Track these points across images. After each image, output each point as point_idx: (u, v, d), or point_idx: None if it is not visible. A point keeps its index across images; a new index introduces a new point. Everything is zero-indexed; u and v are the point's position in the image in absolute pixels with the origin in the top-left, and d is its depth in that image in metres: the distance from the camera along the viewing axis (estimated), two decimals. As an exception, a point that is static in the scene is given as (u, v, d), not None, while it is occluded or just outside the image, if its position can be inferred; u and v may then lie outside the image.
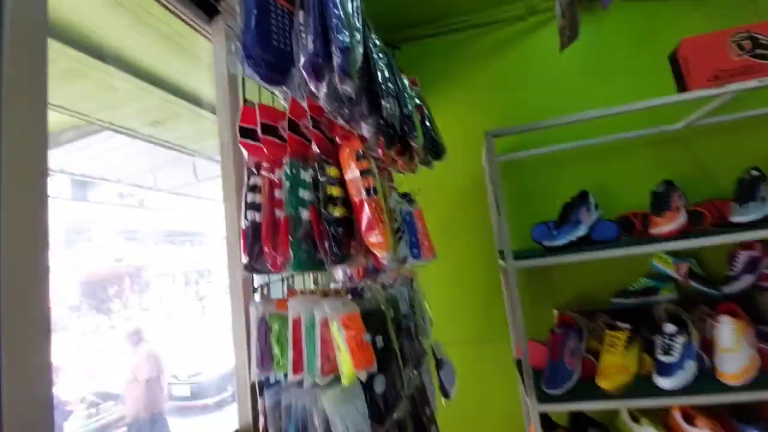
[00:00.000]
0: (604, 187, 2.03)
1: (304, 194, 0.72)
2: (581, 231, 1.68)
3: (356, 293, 0.91)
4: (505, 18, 2.30)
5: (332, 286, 1.04)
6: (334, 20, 0.74)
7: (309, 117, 0.73)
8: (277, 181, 0.74)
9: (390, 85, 1.05)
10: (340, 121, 1.07)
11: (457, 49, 2.39)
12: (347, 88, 0.84)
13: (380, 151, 1.29)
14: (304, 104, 0.90)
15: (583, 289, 2.08)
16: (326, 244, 0.69)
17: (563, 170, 2.18)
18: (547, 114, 1.96)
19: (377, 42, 1.04)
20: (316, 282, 1.21)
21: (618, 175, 2.09)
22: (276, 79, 0.81)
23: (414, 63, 2.45)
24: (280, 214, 0.72)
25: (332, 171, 0.72)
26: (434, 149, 1.53)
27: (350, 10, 0.91)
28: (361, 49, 0.90)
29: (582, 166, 2.15)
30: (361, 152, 0.74)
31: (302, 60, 0.75)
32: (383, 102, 1.01)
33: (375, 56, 1.03)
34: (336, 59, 0.74)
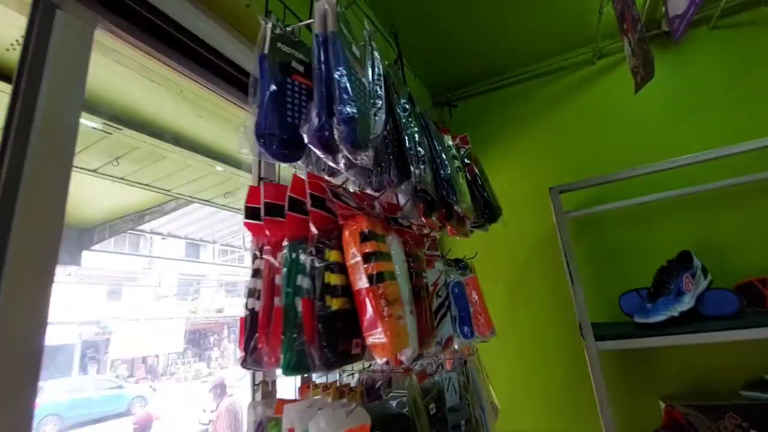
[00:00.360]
0: (711, 246, 1.64)
1: (303, 281, 0.64)
2: (685, 304, 1.34)
3: (376, 392, 0.77)
4: (570, 65, 2.14)
5: (352, 379, 0.90)
6: (338, 92, 0.69)
7: (308, 194, 0.66)
8: (277, 266, 0.67)
9: (421, 149, 0.96)
10: (369, 191, 1.02)
11: (519, 101, 2.26)
12: (364, 158, 0.78)
13: (422, 218, 1.20)
14: (325, 178, 0.86)
15: (698, 376, 1.64)
16: (317, 343, 0.58)
17: (655, 226, 1.84)
18: (626, 163, 1.71)
19: (407, 106, 0.98)
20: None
21: (729, 230, 1.68)
22: (289, 156, 0.77)
23: (472, 119, 2.37)
24: (278, 303, 0.64)
25: (332, 255, 0.63)
26: (488, 211, 1.38)
27: (367, 78, 0.86)
28: (381, 116, 0.84)
29: (679, 221, 1.79)
30: (366, 233, 0.64)
31: (307, 136, 0.70)
32: (412, 168, 0.92)
33: (404, 121, 0.96)
34: (338, 131, 0.67)
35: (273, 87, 0.75)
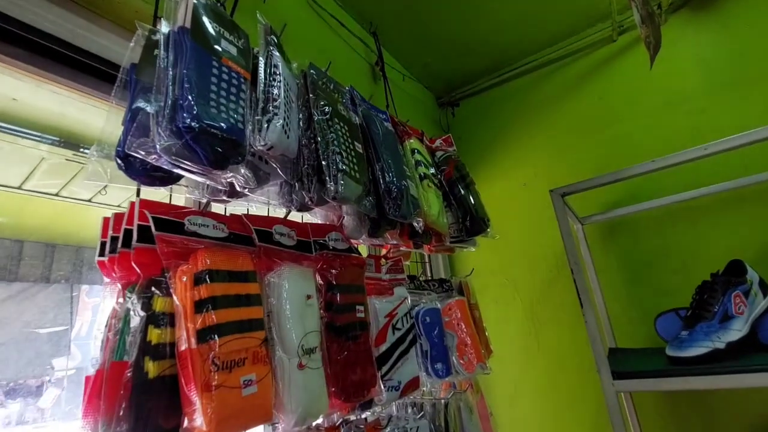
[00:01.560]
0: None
1: (130, 338, 0.50)
2: (735, 331, 1.03)
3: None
4: (586, 45, 1.85)
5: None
6: (180, 92, 0.55)
7: (135, 225, 0.53)
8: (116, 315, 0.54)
9: (342, 157, 0.80)
10: (293, 211, 0.87)
11: (529, 93, 2.00)
12: (237, 177, 0.64)
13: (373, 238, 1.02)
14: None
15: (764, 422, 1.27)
16: (125, 420, 0.44)
17: (701, 229, 1.49)
18: (655, 154, 1.41)
19: (326, 109, 0.82)
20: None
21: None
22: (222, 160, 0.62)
23: (476, 118, 2.14)
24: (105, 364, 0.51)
25: (160, 303, 0.49)
26: (468, 223, 1.17)
27: (260, 80, 0.73)
28: (277, 123, 0.70)
29: (731, 221, 1.44)
30: (203, 274, 0.49)
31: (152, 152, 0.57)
32: (327, 180, 0.77)
33: (322, 126, 0.81)
34: (175, 145, 0.54)
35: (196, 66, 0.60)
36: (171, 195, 0.75)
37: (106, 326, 0.57)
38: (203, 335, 0.47)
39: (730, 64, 1.55)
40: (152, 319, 0.49)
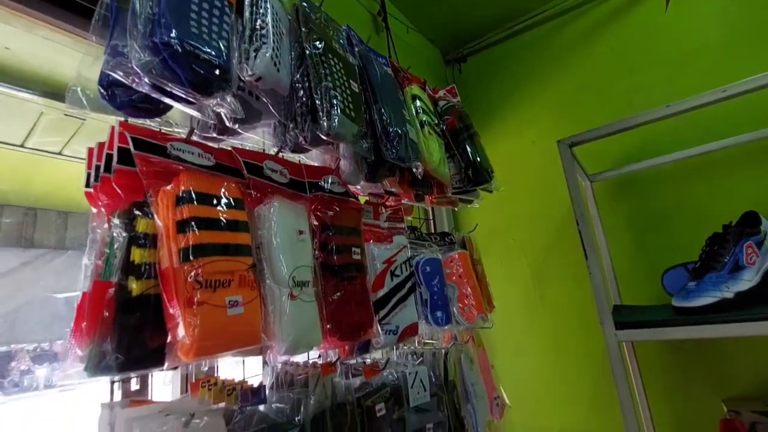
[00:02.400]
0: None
1: (116, 260, 0.50)
2: (745, 281, 1.00)
3: (259, 395, 0.61)
4: (602, -7, 1.74)
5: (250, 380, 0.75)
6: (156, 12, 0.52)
7: (115, 147, 0.51)
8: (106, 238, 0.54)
9: (337, 94, 0.76)
10: (287, 153, 0.85)
11: (538, 47, 1.91)
12: (222, 105, 0.61)
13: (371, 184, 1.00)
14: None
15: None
16: (111, 338, 0.44)
17: (715, 183, 1.44)
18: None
19: (319, 45, 0.78)
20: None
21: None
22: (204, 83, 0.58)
23: (484, 74, 2.06)
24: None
25: (142, 224, 0.48)
26: (470, 172, 1.13)
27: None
28: (266, 53, 0.67)
29: (747, 175, 1.38)
30: (184, 194, 0.47)
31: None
32: (321, 116, 0.74)
33: (314, 61, 0.77)
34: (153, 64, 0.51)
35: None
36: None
37: (94, 254, 0.56)
38: (185, 254, 0.46)
39: (750, 12, 1.44)
40: (135, 239, 0.48)
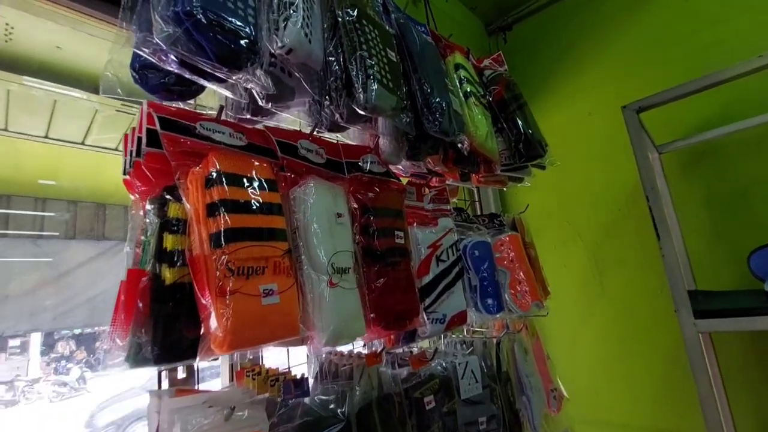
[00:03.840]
0: None
1: (150, 247, 0.47)
2: None
3: (302, 387, 0.58)
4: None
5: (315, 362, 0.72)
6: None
7: (144, 130, 0.48)
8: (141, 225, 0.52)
9: (376, 65, 0.70)
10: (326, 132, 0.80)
11: (590, 7, 1.71)
12: (251, 79, 0.57)
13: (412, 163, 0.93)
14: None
15: None
16: (146, 329, 0.42)
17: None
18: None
19: (352, 12, 0.72)
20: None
21: None
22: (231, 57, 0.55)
23: (531, 42, 1.90)
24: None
25: (173, 209, 0.45)
26: (522, 146, 1.03)
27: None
28: (296, 22, 0.62)
29: None
30: (213, 175, 0.44)
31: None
32: (356, 87, 0.68)
33: (348, 29, 0.71)
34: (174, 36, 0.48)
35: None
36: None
37: (134, 242, 0.55)
38: (216, 239, 0.43)
39: None
40: (167, 225, 0.45)
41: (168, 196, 0.47)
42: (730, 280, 1.33)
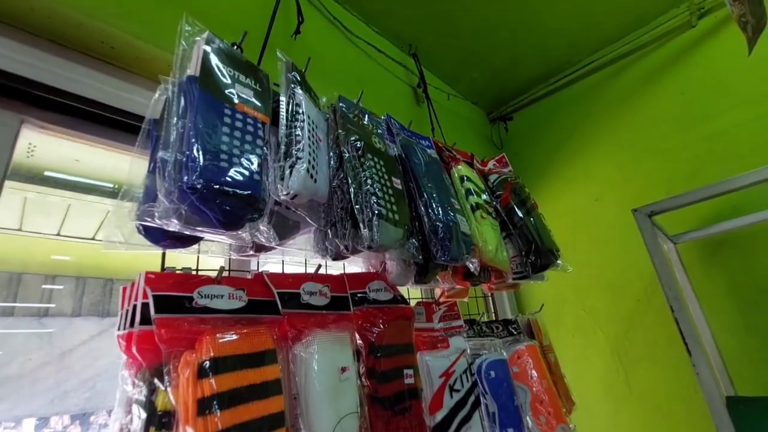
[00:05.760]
0: None
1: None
2: None
3: None
4: (659, 36, 1.61)
5: None
6: (186, 142, 0.50)
7: (139, 302, 0.46)
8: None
9: (381, 197, 0.70)
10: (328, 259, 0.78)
11: (590, 98, 1.78)
12: (256, 235, 0.56)
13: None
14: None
15: None
16: None
17: None
18: (761, 152, 1.17)
19: (358, 144, 0.74)
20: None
21: None
22: (235, 218, 0.55)
23: (533, 130, 1.96)
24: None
25: (163, 401, 0.41)
26: (534, 256, 1.00)
27: (284, 123, 0.66)
28: (302, 167, 0.63)
29: None
30: (207, 363, 0.40)
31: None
32: (361, 226, 0.67)
33: (352, 164, 0.72)
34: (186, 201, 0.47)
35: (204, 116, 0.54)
36: (198, 257, 0.70)
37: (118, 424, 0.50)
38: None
39: None
40: (154, 420, 0.41)
41: (157, 382, 0.43)
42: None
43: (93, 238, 1.78)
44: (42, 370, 4.05)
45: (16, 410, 4.13)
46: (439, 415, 0.75)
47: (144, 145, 0.66)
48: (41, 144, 1.16)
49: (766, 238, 1.30)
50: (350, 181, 0.70)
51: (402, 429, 0.63)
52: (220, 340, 0.44)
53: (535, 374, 1.00)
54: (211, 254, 0.68)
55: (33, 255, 3.35)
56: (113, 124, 0.91)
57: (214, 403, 0.40)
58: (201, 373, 0.42)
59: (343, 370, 0.57)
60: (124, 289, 0.58)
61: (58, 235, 1.64)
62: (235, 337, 0.45)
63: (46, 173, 1.22)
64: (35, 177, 1.24)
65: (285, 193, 0.61)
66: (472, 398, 0.82)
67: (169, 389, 0.41)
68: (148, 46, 0.84)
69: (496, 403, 0.88)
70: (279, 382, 0.47)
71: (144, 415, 0.42)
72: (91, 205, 1.49)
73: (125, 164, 1.30)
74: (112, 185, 1.39)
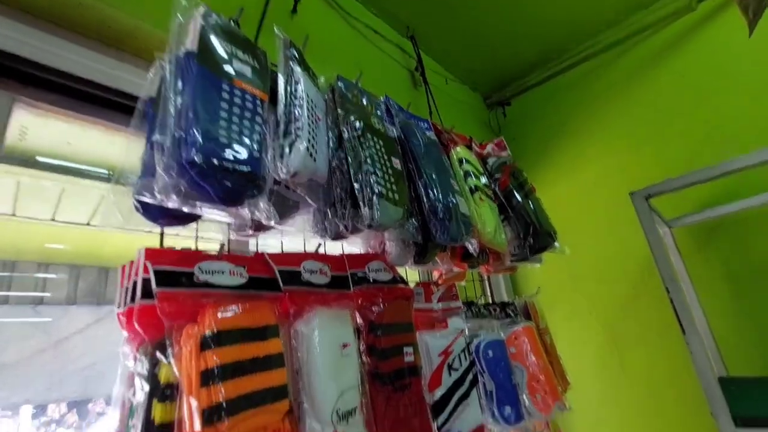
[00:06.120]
0: None
1: (136, 419, 0.43)
2: None
3: None
4: (658, 19, 1.60)
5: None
6: (182, 119, 0.49)
7: (140, 278, 0.46)
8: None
9: (381, 177, 0.70)
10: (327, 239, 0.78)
11: (588, 83, 1.78)
12: (255, 211, 0.56)
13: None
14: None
15: None
16: None
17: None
18: (760, 135, 1.17)
19: (357, 124, 0.73)
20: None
21: None
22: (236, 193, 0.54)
23: (531, 116, 1.95)
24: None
25: (166, 374, 0.42)
26: (532, 239, 1.01)
27: (281, 100, 0.65)
28: (301, 145, 0.62)
29: None
30: (209, 336, 0.41)
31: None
32: (361, 205, 0.67)
33: (351, 144, 0.72)
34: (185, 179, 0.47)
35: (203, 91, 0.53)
36: (197, 237, 0.70)
37: (120, 401, 0.50)
38: (209, 416, 0.39)
39: None
40: (156, 392, 0.42)
41: (160, 355, 0.43)
42: (761, 363, 1.25)
43: (88, 224, 1.77)
44: (39, 357, 4.06)
45: (13, 398, 4.15)
46: (438, 392, 0.77)
47: (139, 125, 0.64)
48: (33, 127, 1.14)
49: (759, 223, 1.31)
50: (350, 161, 0.70)
51: (402, 405, 0.64)
52: (223, 314, 0.44)
53: (532, 354, 1.01)
54: (209, 237, 0.67)
55: (27, 242, 3.32)
56: (106, 104, 0.90)
57: (218, 374, 0.40)
58: (204, 345, 0.42)
59: (344, 346, 0.57)
60: (123, 267, 0.58)
61: (53, 220, 1.63)
62: (238, 310, 0.45)
63: (38, 158, 1.20)
64: (28, 160, 1.23)
65: (285, 171, 0.61)
66: (470, 377, 0.83)
67: (172, 362, 0.42)
68: (142, 24, 0.82)
69: (494, 382, 0.89)
70: (281, 355, 0.48)
71: (147, 387, 0.42)
72: (85, 190, 1.47)
73: (118, 147, 1.29)
74: (105, 171, 1.38)
